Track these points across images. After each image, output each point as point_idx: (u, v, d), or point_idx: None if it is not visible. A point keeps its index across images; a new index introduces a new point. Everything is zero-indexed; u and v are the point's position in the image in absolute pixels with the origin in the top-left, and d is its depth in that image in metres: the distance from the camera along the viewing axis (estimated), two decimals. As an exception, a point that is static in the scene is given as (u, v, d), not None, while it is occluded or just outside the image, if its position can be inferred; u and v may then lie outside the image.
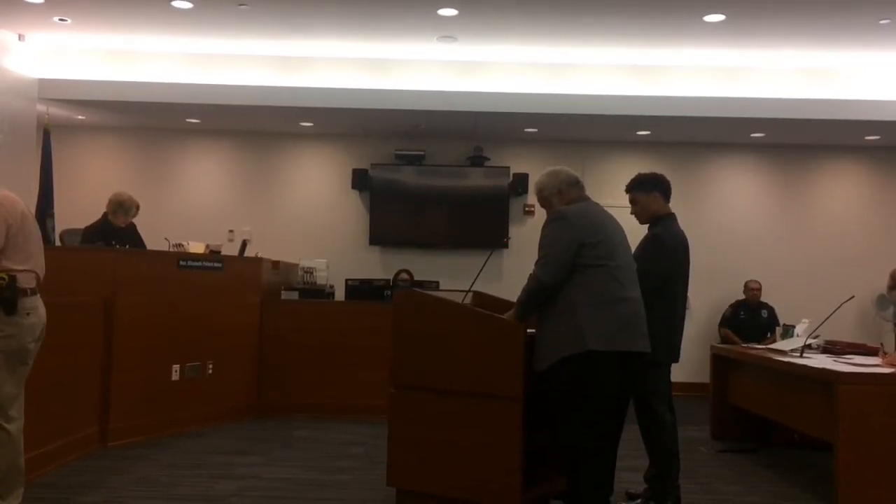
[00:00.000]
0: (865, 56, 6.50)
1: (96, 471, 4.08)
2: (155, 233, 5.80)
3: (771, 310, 7.37)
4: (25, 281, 3.03)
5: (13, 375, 3.03)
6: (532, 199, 7.36)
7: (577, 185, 3.30)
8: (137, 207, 5.51)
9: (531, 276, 3.09)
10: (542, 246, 3.10)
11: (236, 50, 6.72)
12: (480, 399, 3.22)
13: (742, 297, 7.48)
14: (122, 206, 5.42)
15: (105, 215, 5.45)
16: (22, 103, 6.46)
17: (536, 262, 3.09)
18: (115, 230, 5.38)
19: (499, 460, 3.17)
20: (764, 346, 5.27)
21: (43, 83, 6.67)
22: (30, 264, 3.07)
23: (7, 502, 3.07)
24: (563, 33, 6.15)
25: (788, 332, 5.23)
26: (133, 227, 5.58)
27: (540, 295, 3.07)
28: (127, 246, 5.26)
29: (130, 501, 3.61)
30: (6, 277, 2.95)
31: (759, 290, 7.43)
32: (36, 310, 3.10)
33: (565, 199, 3.25)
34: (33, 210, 6.20)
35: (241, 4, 5.66)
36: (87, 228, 5.44)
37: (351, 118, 7.26)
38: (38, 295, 3.13)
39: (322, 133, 7.96)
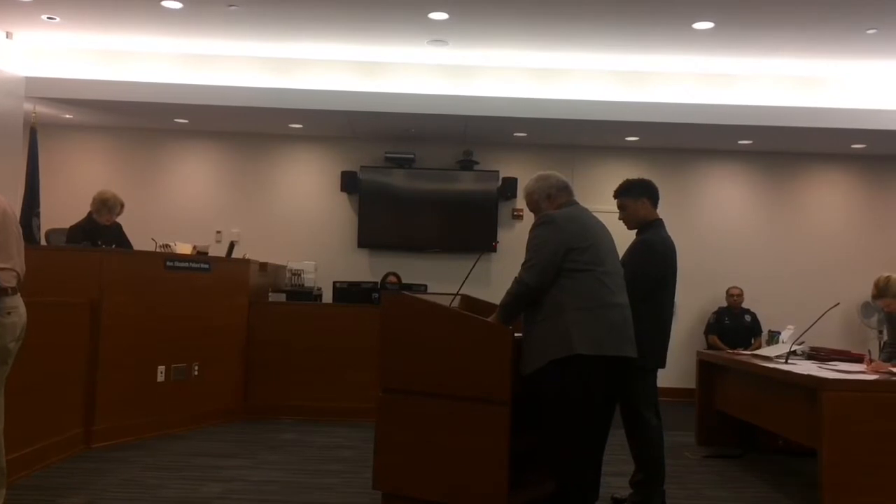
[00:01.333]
0: (852, 65, 6.56)
1: (80, 472, 4.05)
2: (142, 233, 5.77)
3: (753, 315, 7.45)
4: (6, 279, 2.99)
5: (-6, 375, 3.00)
6: (521, 203, 7.39)
7: (566, 189, 3.30)
8: (122, 206, 5.49)
9: (516, 280, 3.09)
10: (530, 249, 3.09)
11: (226, 51, 6.70)
12: (468, 402, 3.22)
13: (724, 304, 7.56)
14: (106, 205, 5.39)
15: (90, 214, 5.43)
16: (9, 101, 6.41)
17: (522, 265, 3.08)
18: (100, 229, 5.36)
19: (486, 464, 3.17)
20: (750, 353, 5.29)
21: (30, 81, 6.62)
22: (11, 263, 3.02)
23: (-11, 504, 3.04)
24: (553, 39, 6.17)
25: (774, 338, 5.26)
26: (118, 225, 5.55)
27: (524, 298, 3.07)
28: (113, 245, 5.23)
29: (115, 503, 3.58)
30: (-14, 276, 2.92)
31: (741, 296, 7.50)
32: (17, 309, 3.05)
33: (554, 203, 3.25)
34: (19, 209, 6.15)
35: (231, 5, 5.64)
36: (72, 227, 5.41)
37: (341, 120, 7.25)
38: (19, 294, 3.09)
39: (311, 135, 7.94)
